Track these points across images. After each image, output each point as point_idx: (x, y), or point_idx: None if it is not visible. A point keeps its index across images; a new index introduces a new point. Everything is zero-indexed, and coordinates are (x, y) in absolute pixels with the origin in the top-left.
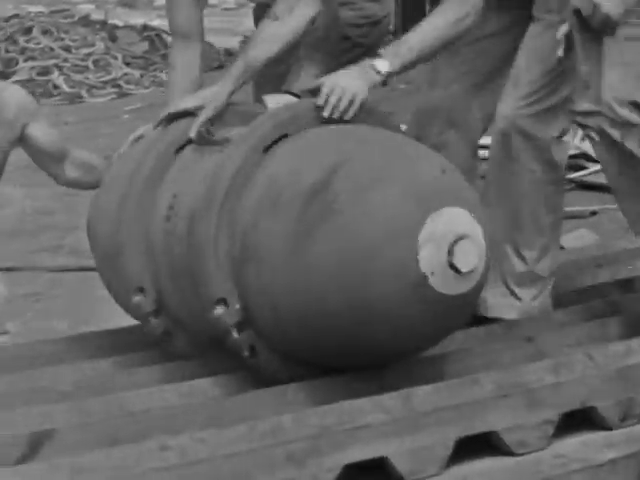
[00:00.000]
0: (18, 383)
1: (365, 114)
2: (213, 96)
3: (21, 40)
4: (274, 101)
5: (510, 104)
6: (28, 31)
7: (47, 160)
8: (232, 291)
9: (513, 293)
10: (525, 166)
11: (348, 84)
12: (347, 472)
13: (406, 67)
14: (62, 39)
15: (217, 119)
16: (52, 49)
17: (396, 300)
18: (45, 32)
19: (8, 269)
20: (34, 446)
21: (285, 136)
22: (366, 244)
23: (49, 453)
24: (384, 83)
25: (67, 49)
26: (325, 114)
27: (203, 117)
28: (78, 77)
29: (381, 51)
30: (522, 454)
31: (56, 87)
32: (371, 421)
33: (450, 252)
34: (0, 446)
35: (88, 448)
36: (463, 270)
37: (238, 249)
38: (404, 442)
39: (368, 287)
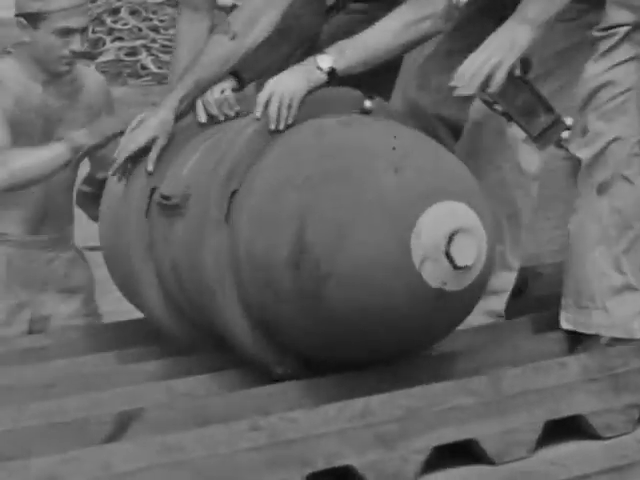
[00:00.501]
0: (105, 364)
1: (310, 106)
2: (161, 124)
3: (108, 20)
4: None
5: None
6: (116, 11)
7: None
8: (267, 348)
9: None
10: (492, 162)
11: (284, 88)
12: (436, 454)
13: (353, 66)
14: (150, 19)
15: (170, 144)
16: (140, 29)
17: (421, 317)
18: (133, 12)
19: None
20: (122, 425)
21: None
22: (370, 289)
23: (137, 432)
24: (330, 82)
25: (155, 29)
26: (271, 128)
27: (156, 150)
28: (166, 58)
29: (327, 48)
30: (608, 438)
31: (144, 68)
32: (460, 403)
33: (449, 257)
34: (89, 425)
35: (176, 428)
36: (469, 264)
37: (258, 314)
38: (493, 425)
39: (390, 322)
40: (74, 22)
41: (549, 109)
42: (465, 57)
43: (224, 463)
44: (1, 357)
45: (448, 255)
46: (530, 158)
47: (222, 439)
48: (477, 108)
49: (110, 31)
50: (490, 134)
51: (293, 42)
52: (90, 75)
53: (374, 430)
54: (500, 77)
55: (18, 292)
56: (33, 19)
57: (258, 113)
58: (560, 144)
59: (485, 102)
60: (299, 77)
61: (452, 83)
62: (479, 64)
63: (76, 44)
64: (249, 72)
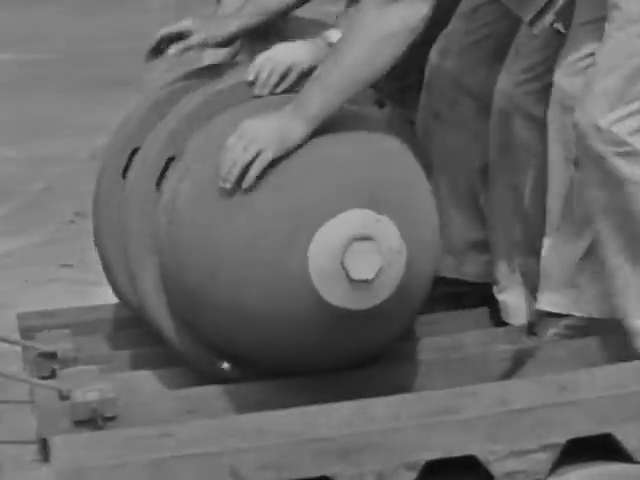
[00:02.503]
0: None
1: None
2: None
3: None
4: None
5: (509, 79)
6: None
7: None
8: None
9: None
10: (529, 150)
11: (284, 56)
12: None
13: None
14: None
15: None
16: None
17: (321, 336)
18: None
19: None
20: (519, 361)
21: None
22: (267, 305)
23: (532, 370)
24: None
25: None
26: (256, 92)
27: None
28: None
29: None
30: None
31: None
32: None
33: (345, 269)
34: (488, 360)
35: (567, 367)
36: (370, 277)
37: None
38: None
39: (288, 338)
40: None
41: None
42: (493, 13)
43: (616, 405)
44: None
45: (344, 267)
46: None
47: (614, 381)
48: (501, 91)
49: None
50: (520, 120)
51: None
52: None
53: None
54: (257, 169)
55: None
56: None
57: (250, 76)
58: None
59: None
60: (305, 50)
61: (220, 183)
62: (238, 153)
63: None
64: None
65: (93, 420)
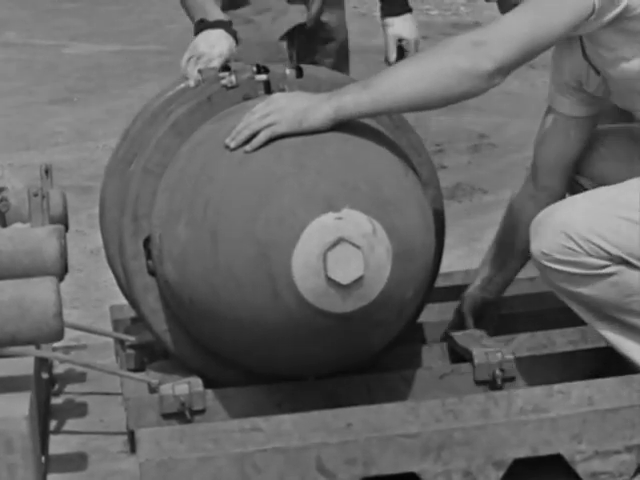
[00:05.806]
0: None
1: None
2: None
3: None
4: None
5: None
6: None
7: None
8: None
9: None
10: None
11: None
12: None
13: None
14: None
15: None
16: None
17: (307, 339)
18: None
19: None
20: (606, 361)
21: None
22: (248, 307)
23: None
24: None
25: None
26: (226, 141)
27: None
28: None
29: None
30: None
31: None
32: None
33: (326, 272)
34: (575, 358)
35: None
36: (344, 282)
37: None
38: None
39: (273, 340)
40: None
41: None
42: None
43: None
44: None
45: (325, 270)
46: None
47: None
48: None
49: None
50: None
51: None
52: None
53: None
54: (263, 137)
55: None
56: None
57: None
58: None
59: None
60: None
61: (227, 140)
62: (255, 117)
63: None
64: None
65: (181, 413)
